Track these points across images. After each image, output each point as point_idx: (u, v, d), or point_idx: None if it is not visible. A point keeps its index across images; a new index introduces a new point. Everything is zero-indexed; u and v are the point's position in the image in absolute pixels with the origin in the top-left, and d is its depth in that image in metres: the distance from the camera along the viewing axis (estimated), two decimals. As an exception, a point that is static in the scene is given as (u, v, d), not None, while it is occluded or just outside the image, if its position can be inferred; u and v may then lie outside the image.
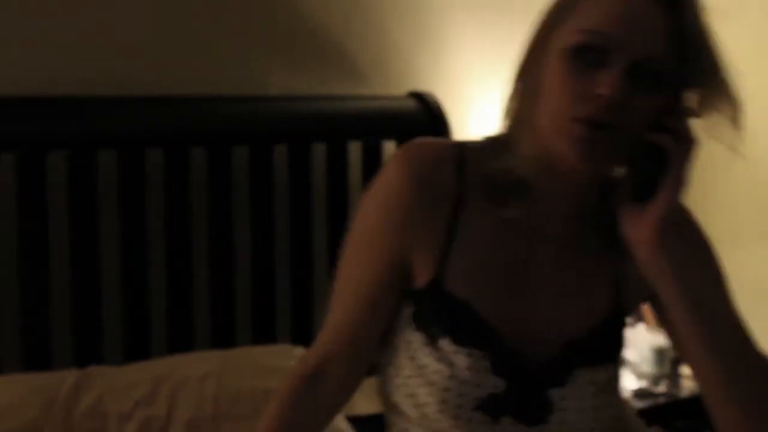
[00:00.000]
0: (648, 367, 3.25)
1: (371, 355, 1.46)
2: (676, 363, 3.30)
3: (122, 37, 2.52)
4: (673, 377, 3.23)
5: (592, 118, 1.24)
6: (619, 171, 1.36)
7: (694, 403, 3.13)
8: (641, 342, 3.29)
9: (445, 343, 1.37)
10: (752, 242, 3.40)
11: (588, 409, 1.38)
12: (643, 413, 2.88)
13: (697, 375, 1.41)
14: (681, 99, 1.31)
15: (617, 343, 1.45)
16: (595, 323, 1.41)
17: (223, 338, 2.59)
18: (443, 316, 1.37)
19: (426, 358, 1.39)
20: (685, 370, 3.24)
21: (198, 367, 2.28)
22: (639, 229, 1.31)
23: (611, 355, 1.44)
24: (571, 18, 1.27)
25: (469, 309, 1.36)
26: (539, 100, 1.30)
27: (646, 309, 3.45)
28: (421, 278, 1.39)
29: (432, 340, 1.38)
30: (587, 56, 1.24)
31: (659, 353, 3.24)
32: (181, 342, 2.53)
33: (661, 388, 3.11)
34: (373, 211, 1.41)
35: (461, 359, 1.36)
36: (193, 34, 2.62)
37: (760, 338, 3.50)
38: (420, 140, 1.41)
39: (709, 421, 1.39)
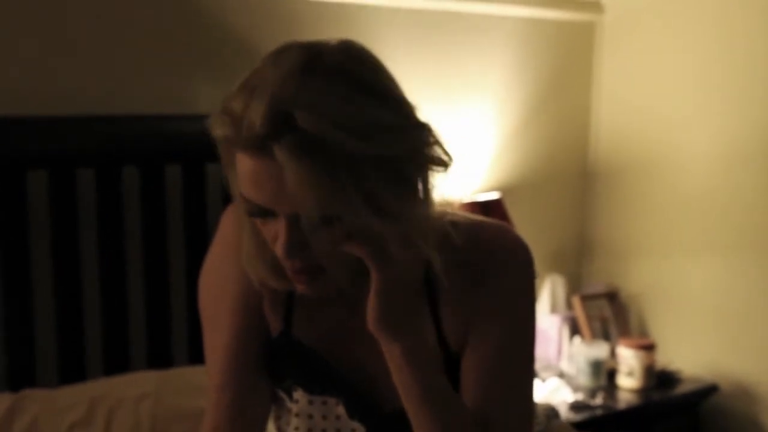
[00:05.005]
0: (584, 380, 3.28)
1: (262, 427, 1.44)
2: (612, 376, 3.34)
3: (49, 56, 2.48)
4: (610, 390, 3.26)
5: (292, 269, 1.23)
6: None
7: (630, 415, 3.17)
8: (578, 355, 3.32)
9: (299, 395, 1.40)
10: (697, 253, 3.46)
11: None
12: (579, 426, 2.91)
13: None
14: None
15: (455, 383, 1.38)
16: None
17: (160, 358, 2.56)
18: (294, 365, 1.39)
19: (287, 415, 1.42)
20: (622, 382, 3.28)
21: (134, 388, 2.26)
22: (367, 314, 1.26)
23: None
24: (237, 161, 1.20)
25: (317, 357, 1.38)
26: None
27: (582, 323, 3.50)
28: (273, 328, 1.40)
29: (288, 395, 1.41)
30: (256, 214, 1.21)
31: (595, 366, 3.28)
32: (116, 363, 2.50)
33: (598, 400, 3.14)
34: (216, 272, 1.43)
35: (316, 409, 1.40)
36: (121, 53, 2.60)
37: (707, 347, 3.55)
38: None
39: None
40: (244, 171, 1.17)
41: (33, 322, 2.38)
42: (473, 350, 1.34)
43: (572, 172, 3.76)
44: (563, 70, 3.66)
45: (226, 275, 1.41)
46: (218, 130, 1.17)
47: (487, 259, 1.35)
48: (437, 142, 1.22)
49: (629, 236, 3.69)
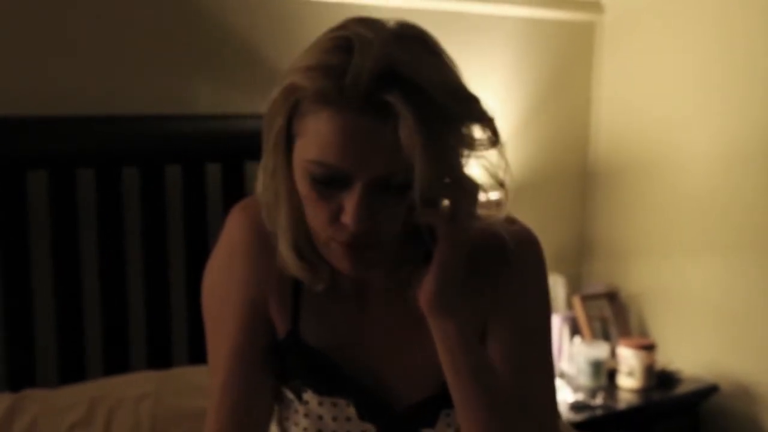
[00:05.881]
0: (585, 380, 3.28)
1: (265, 429, 1.44)
2: (612, 376, 3.34)
3: (49, 57, 2.48)
4: (610, 390, 3.26)
5: (349, 244, 1.20)
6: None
7: (630, 415, 3.17)
8: (578, 355, 3.32)
9: (309, 396, 1.39)
10: (697, 253, 3.46)
11: None
12: (580, 426, 2.91)
13: None
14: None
15: None
16: None
17: (160, 358, 2.56)
18: (302, 366, 1.38)
19: (294, 416, 1.41)
20: (622, 382, 3.28)
21: (134, 388, 2.26)
22: (421, 292, 1.25)
23: None
24: (303, 129, 1.18)
25: (326, 358, 1.37)
26: (296, 196, 1.25)
27: (582, 323, 3.49)
28: (280, 329, 1.39)
29: (297, 396, 1.40)
30: (326, 182, 1.18)
31: (596, 366, 3.28)
32: (116, 363, 2.49)
33: (598, 400, 3.14)
34: (221, 273, 1.41)
35: (326, 410, 1.38)
36: (121, 53, 2.60)
37: (707, 347, 3.53)
38: (253, 197, 1.39)
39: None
40: (327, 131, 1.14)
41: (33, 322, 2.38)
42: (495, 337, 1.35)
43: (572, 172, 3.76)
44: (563, 70, 3.65)
45: (231, 276, 1.39)
46: (308, 83, 1.15)
47: (501, 248, 1.36)
48: (490, 116, 1.24)
49: (629, 236, 3.69)
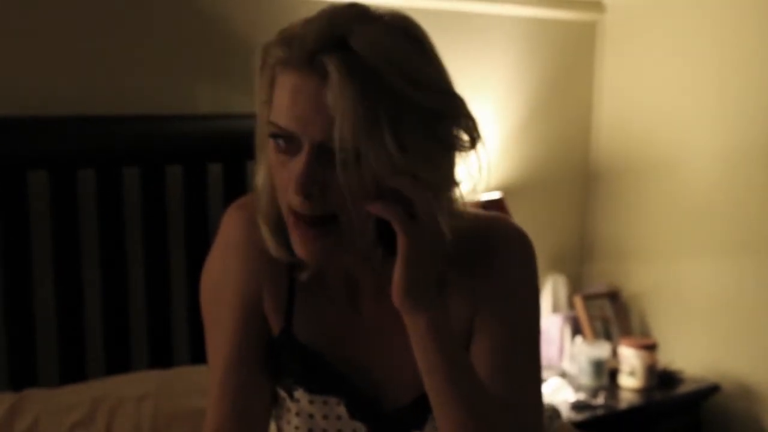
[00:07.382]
0: (586, 379, 3.28)
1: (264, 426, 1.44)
2: (613, 375, 3.33)
3: (50, 56, 2.48)
4: (611, 389, 3.26)
5: (298, 212, 1.20)
6: None
7: (632, 415, 3.17)
8: (579, 355, 3.32)
9: (300, 394, 1.39)
10: (699, 253, 3.46)
11: None
12: (581, 426, 2.90)
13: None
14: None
15: None
16: None
17: (161, 358, 2.56)
18: (295, 364, 1.38)
19: (287, 414, 1.42)
20: (624, 382, 3.28)
21: (136, 388, 2.26)
22: (392, 286, 1.22)
23: None
24: (277, 87, 1.21)
25: (318, 356, 1.38)
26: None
27: (583, 322, 3.48)
28: (274, 327, 1.40)
29: (289, 394, 1.40)
30: (282, 145, 1.20)
31: (597, 366, 3.28)
32: (118, 363, 2.50)
33: (600, 400, 3.14)
34: (217, 271, 1.42)
35: (317, 409, 1.39)
36: (122, 53, 2.59)
37: (708, 347, 3.52)
38: (249, 195, 1.41)
39: None
40: (283, 91, 1.18)
41: (34, 322, 2.38)
42: (482, 335, 1.34)
43: (574, 172, 3.76)
44: (565, 69, 3.65)
45: (227, 275, 1.40)
46: (271, 52, 1.21)
47: (489, 246, 1.35)
48: (471, 116, 1.24)
49: (631, 236, 3.69)
